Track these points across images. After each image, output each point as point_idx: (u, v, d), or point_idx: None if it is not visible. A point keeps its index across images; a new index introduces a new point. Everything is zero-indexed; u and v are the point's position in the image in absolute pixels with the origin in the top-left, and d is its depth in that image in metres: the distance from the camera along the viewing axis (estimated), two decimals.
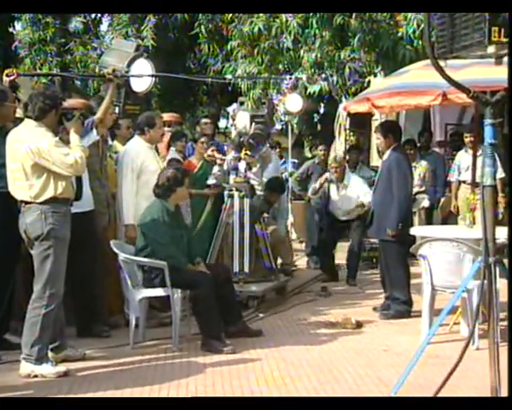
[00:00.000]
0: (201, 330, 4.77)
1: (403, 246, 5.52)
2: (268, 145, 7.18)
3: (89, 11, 10.73)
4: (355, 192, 7.27)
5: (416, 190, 8.39)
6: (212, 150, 6.59)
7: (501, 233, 3.76)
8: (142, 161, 5.41)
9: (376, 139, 5.83)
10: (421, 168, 8.40)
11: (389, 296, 5.75)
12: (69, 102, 5.18)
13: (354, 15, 8.48)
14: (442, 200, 8.48)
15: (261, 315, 5.75)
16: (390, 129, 5.81)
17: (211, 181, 6.44)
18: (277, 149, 10.73)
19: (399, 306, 5.61)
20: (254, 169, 6.66)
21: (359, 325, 5.37)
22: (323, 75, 8.97)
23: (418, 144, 8.80)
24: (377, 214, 5.73)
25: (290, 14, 8.88)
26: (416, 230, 5.85)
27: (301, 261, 8.64)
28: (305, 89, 9.02)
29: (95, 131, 4.95)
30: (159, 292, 4.83)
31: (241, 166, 6.27)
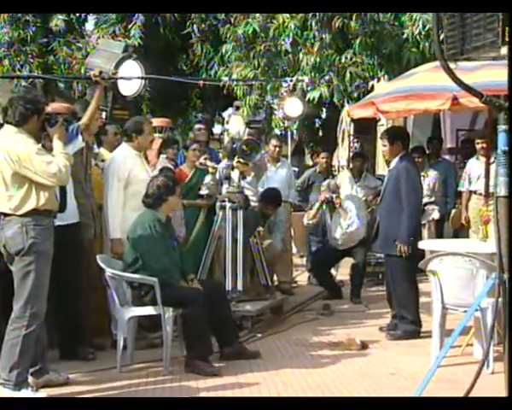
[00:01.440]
0: (187, 349, 4.78)
1: (411, 261, 5.52)
2: (263, 152, 7.16)
3: (79, 11, 10.73)
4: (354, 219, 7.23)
5: (424, 200, 8.40)
6: (205, 158, 6.59)
7: None
8: (129, 170, 5.42)
9: (382, 146, 5.84)
10: (430, 177, 8.42)
11: (396, 315, 5.75)
12: (52, 107, 5.19)
13: (354, 17, 8.54)
14: (453, 211, 8.50)
15: (259, 335, 5.75)
16: (398, 135, 5.82)
17: (203, 191, 6.44)
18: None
19: (407, 325, 5.61)
20: (249, 178, 6.64)
21: (364, 346, 5.37)
22: (323, 79, 9.01)
23: (427, 152, 8.83)
24: (384, 228, 5.74)
25: (288, 15, 8.94)
26: (426, 243, 5.85)
27: (302, 277, 8.65)
28: (305, 94, 9.06)
29: (80, 137, 4.96)
30: (149, 311, 4.83)
31: (235, 175, 6.27)
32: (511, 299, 3.06)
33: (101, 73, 5.15)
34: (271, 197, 7.02)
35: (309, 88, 8.85)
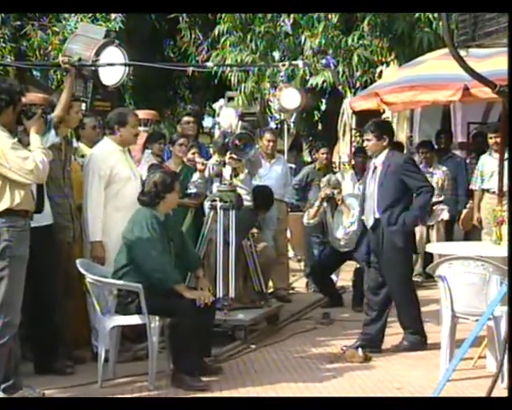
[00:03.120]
0: (174, 362, 4.79)
1: (408, 266, 5.53)
2: (257, 147, 7.15)
3: (71, 11, 10.66)
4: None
5: (433, 200, 8.46)
6: (193, 153, 6.59)
7: None
8: (111, 167, 5.39)
9: (366, 141, 5.70)
10: (439, 175, 8.44)
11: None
12: (27, 98, 5.18)
13: None
14: (464, 212, 8.52)
15: (253, 347, 5.76)
16: (385, 130, 5.71)
17: (191, 190, 6.43)
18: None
19: (412, 336, 5.63)
20: (242, 176, 6.63)
21: (367, 358, 5.38)
22: (324, 61, 8.94)
23: (436, 147, 8.86)
24: (384, 223, 5.63)
25: None
26: (434, 246, 5.89)
27: (300, 283, 8.66)
28: (305, 81, 9.05)
29: (53, 131, 4.94)
30: (134, 320, 4.83)
31: (226, 172, 6.27)
32: None
33: (80, 60, 5.14)
34: (262, 199, 6.89)
35: (304, 71, 8.72)
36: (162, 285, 4.79)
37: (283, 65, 7.06)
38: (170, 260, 4.93)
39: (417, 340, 5.61)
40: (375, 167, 5.65)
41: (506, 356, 4.14)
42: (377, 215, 5.59)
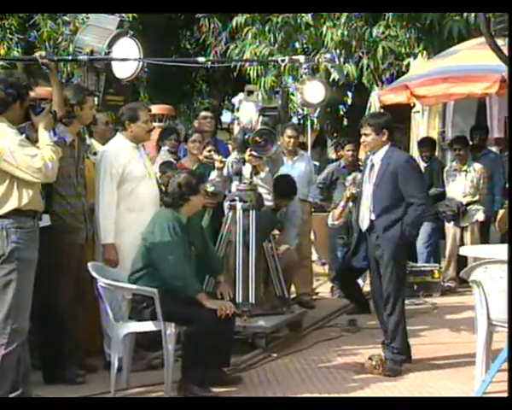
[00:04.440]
0: (183, 370, 4.79)
1: (401, 277, 5.42)
2: (279, 144, 7.13)
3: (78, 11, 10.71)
4: None
5: (467, 199, 8.40)
6: (209, 151, 6.59)
7: None
8: (123, 165, 5.41)
9: (363, 136, 5.52)
10: (474, 173, 8.38)
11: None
12: (36, 92, 5.22)
13: None
14: (501, 212, 8.46)
15: (274, 355, 5.75)
16: (385, 123, 5.52)
17: (208, 189, 6.44)
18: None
19: (394, 355, 5.36)
20: (262, 174, 6.62)
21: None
22: (328, 55, 8.85)
23: (470, 143, 8.80)
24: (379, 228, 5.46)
25: None
26: (468, 249, 5.83)
27: (324, 288, 8.64)
28: (329, 74, 9.02)
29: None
30: (148, 326, 4.83)
31: (246, 170, 6.27)
32: None
33: (92, 52, 5.17)
34: (285, 188, 6.94)
35: (330, 66, 8.72)
36: (181, 293, 4.79)
37: (282, 60, 7.03)
38: (190, 266, 4.94)
39: (400, 359, 5.36)
40: (373, 165, 5.47)
41: None
42: (373, 217, 5.39)
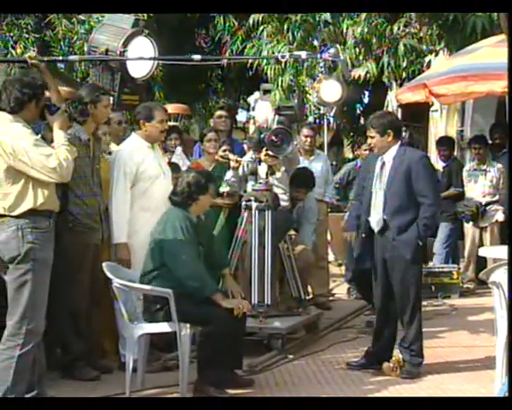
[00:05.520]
0: (199, 371, 4.79)
1: (418, 280, 5.39)
2: (295, 143, 7.12)
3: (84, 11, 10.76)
4: None
5: (486, 200, 8.36)
6: (224, 150, 6.59)
7: None
8: (137, 165, 5.44)
9: (369, 138, 5.45)
10: (493, 172, 8.34)
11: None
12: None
13: None
14: None
15: (290, 357, 5.75)
16: (390, 123, 5.41)
17: (223, 189, 6.45)
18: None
19: (413, 358, 5.33)
20: (278, 174, 6.62)
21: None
22: (332, 50, 8.78)
23: (490, 142, 8.75)
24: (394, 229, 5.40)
25: None
26: (488, 250, 5.80)
27: (340, 289, 8.62)
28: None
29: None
30: (163, 327, 4.85)
31: (262, 169, 6.27)
32: None
33: (107, 51, 5.19)
34: (302, 179, 6.98)
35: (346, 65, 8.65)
36: (198, 294, 4.79)
37: (283, 56, 6.99)
38: (203, 266, 4.95)
39: (418, 362, 5.35)
40: (384, 163, 5.39)
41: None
42: (386, 217, 5.31)
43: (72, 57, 5.67)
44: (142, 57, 6.14)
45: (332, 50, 9.14)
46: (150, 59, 6.20)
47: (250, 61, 9.58)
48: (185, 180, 5.01)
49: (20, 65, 10.15)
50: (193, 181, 5.00)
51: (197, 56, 6.24)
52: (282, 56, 6.96)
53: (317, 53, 8.83)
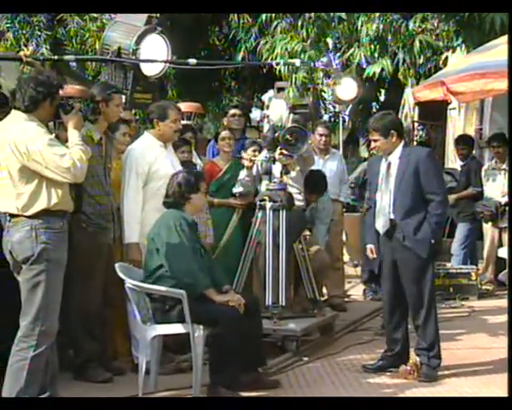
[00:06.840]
0: (211, 373, 4.81)
1: (431, 279, 5.36)
2: (310, 142, 7.14)
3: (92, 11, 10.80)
4: None
5: (506, 199, 8.33)
6: (254, 150, 6.57)
7: None
8: (150, 164, 5.45)
9: (373, 142, 5.42)
10: None
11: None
12: (64, 90, 5.27)
13: None
14: None
15: (305, 359, 5.77)
16: (391, 124, 5.38)
17: (237, 189, 6.46)
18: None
19: (432, 360, 5.33)
20: (293, 173, 6.63)
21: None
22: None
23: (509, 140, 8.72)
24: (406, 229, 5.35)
25: None
26: (506, 251, 5.79)
27: (356, 290, 8.63)
28: (362, 70, 8.98)
29: None
30: (176, 329, 4.87)
31: (276, 169, 6.28)
32: None
33: (120, 49, 5.21)
34: (315, 183, 7.00)
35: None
36: (191, 290, 4.80)
37: (277, 63, 7.01)
38: (200, 263, 4.96)
39: (436, 364, 5.35)
40: (389, 164, 5.36)
41: None
42: (394, 217, 5.29)
43: (67, 57, 5.69)
44: (140, 59, 6.14)
45: (325, 59, 9.15)
46: (145, 61, 6.18)
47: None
48: (175, 181, 5.05)
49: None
50: (183, 181, 5.03)
51: (193, 60, 6.31)
52: (277, 63, 6.99)
53: (318, 59, 8.84)
